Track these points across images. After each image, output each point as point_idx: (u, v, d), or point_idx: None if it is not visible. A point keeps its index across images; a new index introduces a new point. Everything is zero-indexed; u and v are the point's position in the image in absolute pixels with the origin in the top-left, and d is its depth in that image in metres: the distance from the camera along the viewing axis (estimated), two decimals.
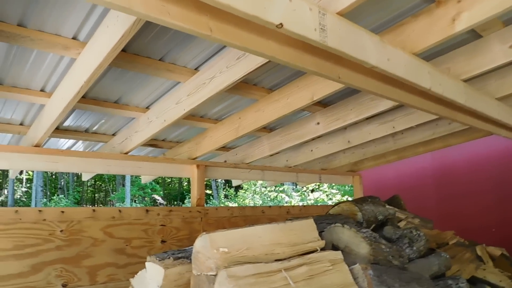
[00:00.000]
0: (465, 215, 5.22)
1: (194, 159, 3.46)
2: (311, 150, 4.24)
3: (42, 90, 2.51)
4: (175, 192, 20.80)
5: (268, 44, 1.57)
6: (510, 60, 2.56)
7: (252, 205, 13.27)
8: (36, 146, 2.78)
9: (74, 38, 1.96)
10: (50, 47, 1.93)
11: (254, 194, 12.93)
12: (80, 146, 3.68)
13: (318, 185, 10.30)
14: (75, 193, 21.24)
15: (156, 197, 19.67)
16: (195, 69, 2.44)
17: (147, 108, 2.89)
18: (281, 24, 1.39)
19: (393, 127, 3.71)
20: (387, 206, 2.22)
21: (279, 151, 3.67)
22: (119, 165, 3.02)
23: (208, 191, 19.03)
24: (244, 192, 14.21)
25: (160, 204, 19.68)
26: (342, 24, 1.67)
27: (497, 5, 1.93)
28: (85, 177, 3.83)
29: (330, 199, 9.86)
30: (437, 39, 2.11)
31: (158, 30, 2.01)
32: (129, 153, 3.10)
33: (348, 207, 2.06)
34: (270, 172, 4.18)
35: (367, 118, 3.53)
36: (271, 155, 4.23)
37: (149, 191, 19.10)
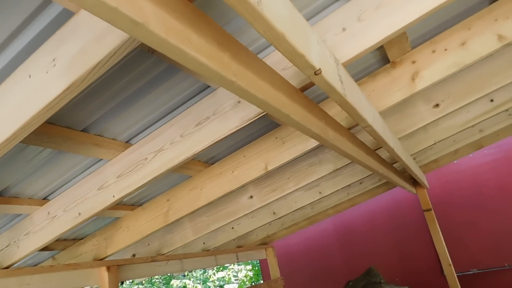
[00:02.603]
0: (368, 259, 5.32)
1: (102, 259, 2.64)
2: (232, 228, 3.77)
3: None
4: None
5: (281, 98, 1.19)
6: (436, 118, 2.69)
7: None
8: None
9: None
10: None
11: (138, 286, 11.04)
12: None
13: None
14: None
15: None
16: (127, 142, 1.85)
17: (46, 199, 2.08)
18: (320, 70, 1.03)
19: (320, 193, 3.55)
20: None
21: (206, 233, 3.10)
22: None
23: None
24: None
25: None
26: (348, 77, 1.41)
27: (452, 64, 1.97)
28: None
29: (236, 276, 9.08)
30: (401, 97, 2.05)
31: (83, 95, 1.43)
32: (12, 267, 2.15)
33: None
34: (189, 260, 3.51)
35: None
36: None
37: None
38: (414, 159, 4.20)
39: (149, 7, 0.69)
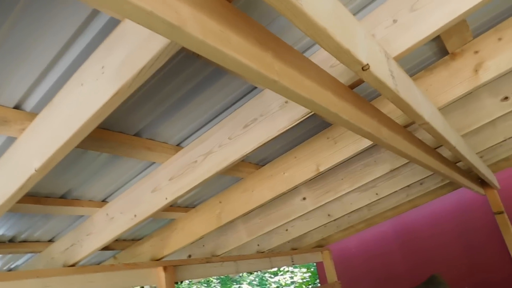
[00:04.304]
0: (434, 267, 4.98)
1: (159, 259, 2.73)
2: (286, 230, 3.73)
3: None
4: None
5: (328, 96, 1.14)
6: (506, 113, 2.46)
7: None
8: None
9: (16, 108, 1.32)
10: None
11: None
12: None
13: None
14: None
15: None
16: (177, 145, 1.89)
17: (104, 201, 2.19)
18: (368, 65, 0.97)
19: (376, 194, 3.41)
20: None
21: (260, 235, 3.10)
22: (63, 283, 2.18)
23: None
24: None
25: None
26: (400, 72, 1.32)
27: None
28: None
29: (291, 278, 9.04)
30: (463, 91, 1.90)
31: (134, 100, 1.48)
32: (77, 265, 2.29)
33: None
34: (244, 261, 3.53)
35: None
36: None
37: None
38: (481, 157, 3.90)
39: (186, 10, 0.68)
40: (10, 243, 2.37)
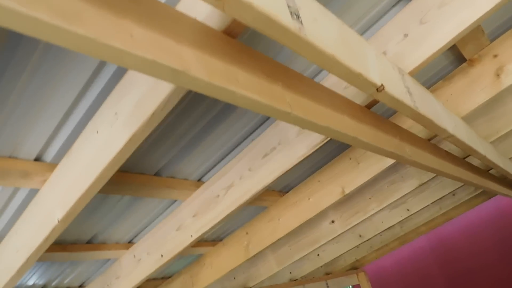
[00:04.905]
0: (473, 279, 4.70)
1: None
2: (318, 255, 3.63)
3: None
4: None
5: (345, 121, 1.10)
6: None
7: None
8: None
9: (37, 159, 1.34)
10: (1, 177, 1.29)
11: None
12: None
13: None
14: None
15: None
16: (198, 180, 1.88)
17: (131, 242, 2.19)
18: (382, 85, 0.94)
19: (408, 210, 3.29)
20: None
21: (291, 263, 3.02)
22: None
23: None
24: None
25: None
26: (418, 87, 1.28)
27: None
28: None
29: None
30: (486, 98, 1.82)
31: (151, 140, 1.48)
32: None
33: None
34: None
35: None
36: None
37: None
38: None
39: (189, 53, 0.68)
40: None
